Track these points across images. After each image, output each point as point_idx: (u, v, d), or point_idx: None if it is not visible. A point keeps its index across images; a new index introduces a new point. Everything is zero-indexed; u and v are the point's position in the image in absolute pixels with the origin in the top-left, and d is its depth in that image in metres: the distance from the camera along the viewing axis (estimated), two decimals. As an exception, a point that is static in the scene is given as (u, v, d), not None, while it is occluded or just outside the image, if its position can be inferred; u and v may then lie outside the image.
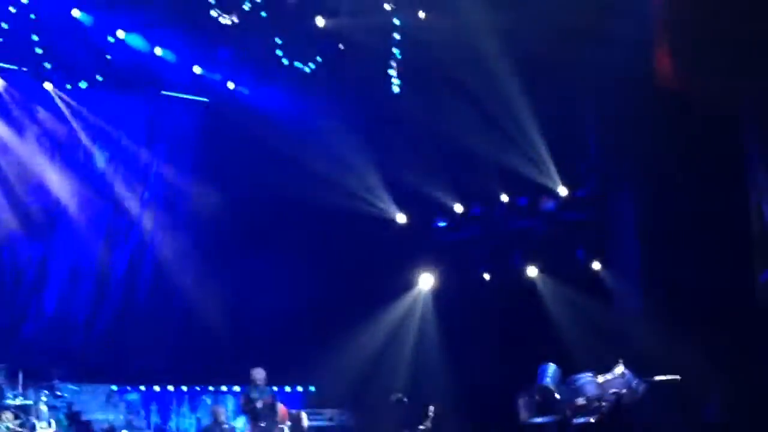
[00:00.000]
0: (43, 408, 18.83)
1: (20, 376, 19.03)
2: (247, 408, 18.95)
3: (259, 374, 18.99)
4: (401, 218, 23.71)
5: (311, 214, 23.16)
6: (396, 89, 22.26)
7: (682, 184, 20.12)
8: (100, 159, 22.76)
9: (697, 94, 18.91)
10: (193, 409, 23.09)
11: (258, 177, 22.80)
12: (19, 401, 18.53)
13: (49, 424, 18.60)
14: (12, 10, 19.93)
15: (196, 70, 22.53)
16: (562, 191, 22.35)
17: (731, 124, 18.84)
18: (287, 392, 23.35)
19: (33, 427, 18.19)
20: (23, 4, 19.81)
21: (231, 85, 23.00)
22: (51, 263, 22.45)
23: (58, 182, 22.29)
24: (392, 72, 22.30)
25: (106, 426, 21.14)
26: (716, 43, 17.94)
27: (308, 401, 23.51)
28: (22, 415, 18.12)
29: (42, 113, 22.05)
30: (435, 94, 21.99)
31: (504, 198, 22.81)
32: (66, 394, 19.86)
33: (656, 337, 20.35)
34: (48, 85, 21.76)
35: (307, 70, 22.15)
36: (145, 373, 22.56)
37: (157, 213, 23.37)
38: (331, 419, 22.41)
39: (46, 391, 19.29)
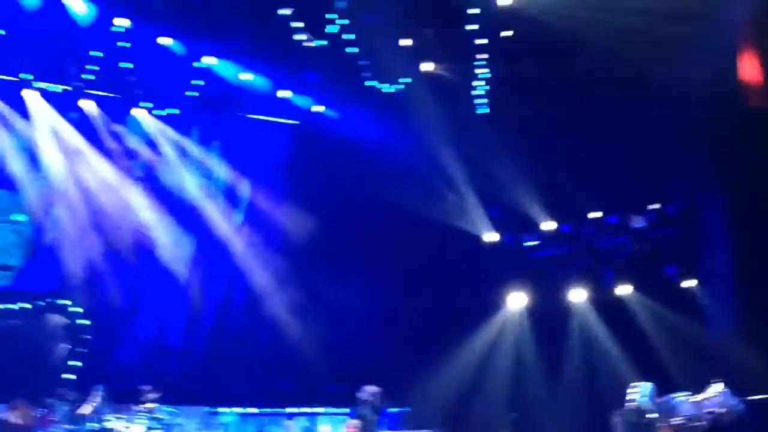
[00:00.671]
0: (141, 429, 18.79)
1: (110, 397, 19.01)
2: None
3: (371, 391, 18.47)
4: (492, 237, 23.79)
5: (401, 236, 23.33)
6: (485, 110, 22.51)
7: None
8: (191, 185, 22.97)
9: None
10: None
11: (347, 199, 23.12)
12: (118, 422, 18.59)
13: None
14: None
15: (285, 94, 22.88)
16: (651, 208, 22.44)
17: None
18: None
19: None
20: (117, 32, 20.23)
21: (319, 108, 23.25)
22: (143, 290, 22.75)
23: (148, 208, 22.53)
24: (480, 92, 22.50)
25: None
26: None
27: (404, 422, 22.87)
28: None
29: (132, 139, 22.31)
30: (523, 114, 22.01)
31: (594, 215, 22.96)
32: (165, 417, 19.74)
33: (752, 355, 20.32)
34: (139, 111, 22.06)
35: (393, 90, 22.37)
36: (240, 396, 22.67)
37: (249, 238, 23.58)
38: None
39: (146, 414, 19.24)
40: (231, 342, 23.24)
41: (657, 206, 22.67)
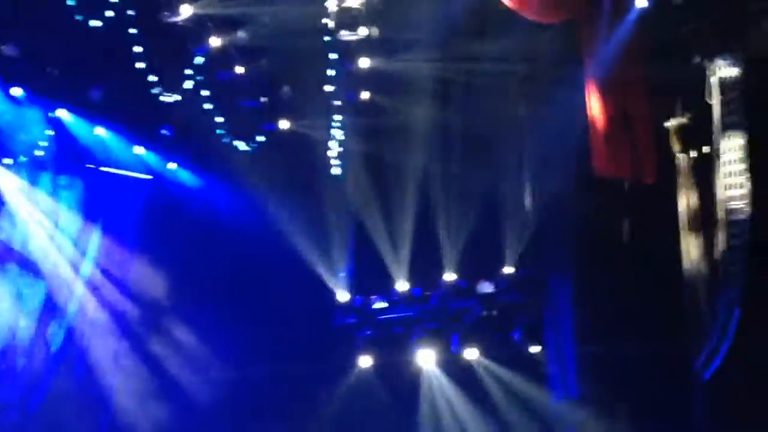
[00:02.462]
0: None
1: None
2: None
3: None
4: (342, 296, 24.04)
5: (252, 294, 23.83)
6: (337, 171, 23.13)
7: (620, 266, 20.95)
8: (39, 237, 22.85)
9: (633, 180, 19.74)
10: None
11: (199, 256, 23.55)
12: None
13: None
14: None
15: (138, 150, 23.12)
16: (503, 272, 23.00)
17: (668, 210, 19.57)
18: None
19: None
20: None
21: (172, 165, 23.63)
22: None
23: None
24: (333, 154, 23.08)
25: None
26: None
27: None
28: None
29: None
30: (376, 178, 23.10)
31: (448, 278, 23.37)
32: None
33: (592, 418, 21.30)
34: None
35: (248, 148, 22.88)
36: None
37: (95, 289, 23.59)
38: None
39: None
40: (71, 394, 23.20)
41: (507, 272, 23.12)
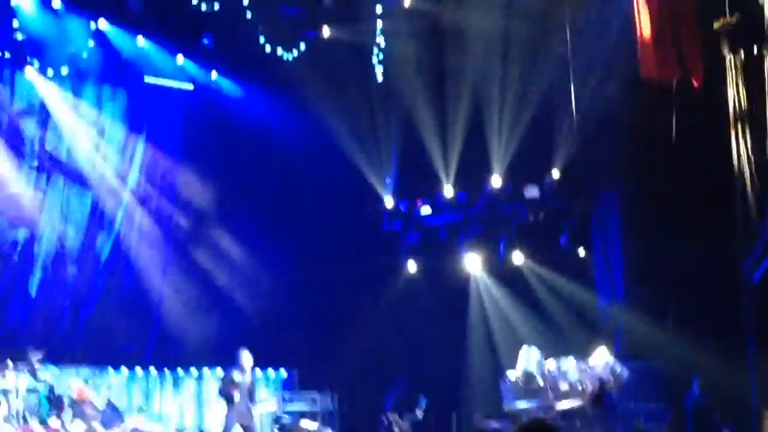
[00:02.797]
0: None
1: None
2: (227, 390, 19.00)
3: (245, 357, 18.93)
4: (389, 201, 24.01)
5: (297, 202, 23.81)
6: (381, 77, 22.86)
7: (668, 169, 20.56)
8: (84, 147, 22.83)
9: (680, 82, 19.33)
10: (176, 391, 23.19)
11: (243, 166, 23.41)
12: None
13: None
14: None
15: (179, 59, 22.99)
16: (551, 177, 22.83)
17: (715, 112, 19.16)
18: (270, 376, 23.75)
19: None
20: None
21: (214, 75, 23.52)
22: (36, 247, 22.51)
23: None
24: (375, 60, 22.81)
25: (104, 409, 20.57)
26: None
27: (291, 384, 23.79)
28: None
29: (19, 104, 22.11)
30: (418, 82, 22.64)
31: (495, 183, 23.10)
32: (46, 378, 19.70)
33: (639, 323, 21.04)
34: (29, 71, 21.85)
35: (289, 58, 22.51)
36: (127, 356, 22.80)
37: (142, 199, 23.60)
38: (313, 401, 22.47)
39: (27, 374, 19.14)
40: (120, 302, 23.28)
41: (554, 176, 22.84)
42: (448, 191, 23.49)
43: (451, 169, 23.34)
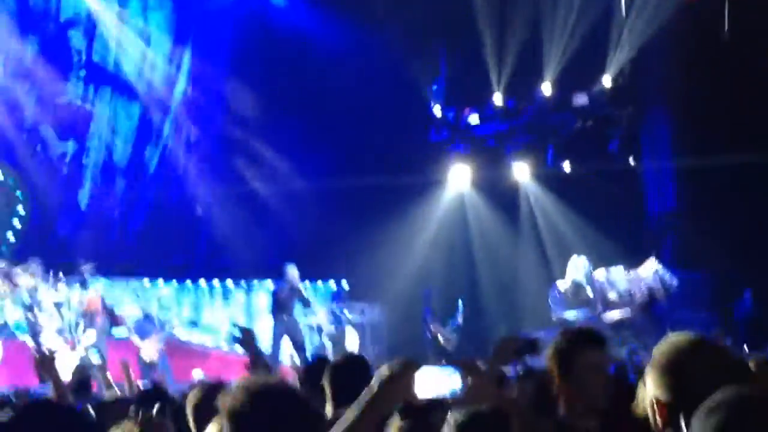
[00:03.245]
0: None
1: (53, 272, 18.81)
2: (276, 302, 19.33)
3: (292, 271, 19.05)
4: (436, 109, 23.84)
5: (342, 109, 23.42)
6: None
7: (718, 75, 20.44)
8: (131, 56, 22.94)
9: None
10: (226, 303, 23.15)
11: (288, 72, 23.34)
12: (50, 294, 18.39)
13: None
14: None
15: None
16: (600, 84, 22.69)
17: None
18: (318, 288, 23.58)
19: None
20: None
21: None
22: (85, 159, 22.75)
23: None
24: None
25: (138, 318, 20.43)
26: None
27: (339, 295, 23.67)
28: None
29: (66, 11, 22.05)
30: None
31: (544, 90, 22.93)
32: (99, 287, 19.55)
33: (689, 233, 21.24)
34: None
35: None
36: (177, 268, 22.83)
37: (189, 109, 23.67)
38: (362, 312, 22.42)
39: (79, 286, 18.93)
40: (168, 214, 23.50)
41: (603, 84, 22.72)
42: (498, 99, 23.29)
43: (503, 77, 23.15)
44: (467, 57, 23.01)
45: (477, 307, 21.90)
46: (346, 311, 21.68)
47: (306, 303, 19.32)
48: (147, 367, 17.64)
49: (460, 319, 20.66)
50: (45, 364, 7.71)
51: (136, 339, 18.24)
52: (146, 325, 18.78)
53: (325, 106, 23.28)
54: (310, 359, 15.23)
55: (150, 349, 18.10)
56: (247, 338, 7.07)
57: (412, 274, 22.74)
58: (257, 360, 6.94)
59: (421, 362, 4.04)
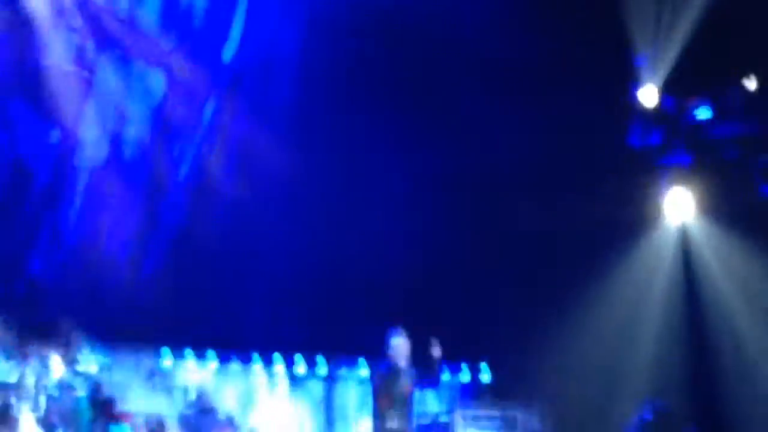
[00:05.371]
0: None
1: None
2: (377, 397, 14.65)
3: (401, 345, 14.45)
4: (645, 96, 18.33)
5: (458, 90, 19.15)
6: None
7: None
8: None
9: None
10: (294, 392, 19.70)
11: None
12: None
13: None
14: None
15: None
16: None
17: None
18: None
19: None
20: None
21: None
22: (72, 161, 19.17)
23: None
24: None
25: (153, 421, 17.49)
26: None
27: (478, 391, 19.63)
28: None
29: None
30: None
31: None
32: (88, 365, 16.23)
33: None
34: None
35: None
36: (217, 337, 19.02)
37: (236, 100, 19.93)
38: (510, 422, 18.06)
39: (61, 360, 15.75)
40: (205, 250, 18.92)
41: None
42: (751, 83, 18.14)
43: (750, 52, 18.57)
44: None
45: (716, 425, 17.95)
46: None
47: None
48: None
49: None
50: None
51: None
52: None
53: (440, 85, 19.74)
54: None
55: None
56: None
57: (601, 365, 18.57)
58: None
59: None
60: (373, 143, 20.00)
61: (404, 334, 15.21)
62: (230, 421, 17.50)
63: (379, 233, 19.76)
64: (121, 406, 17.52)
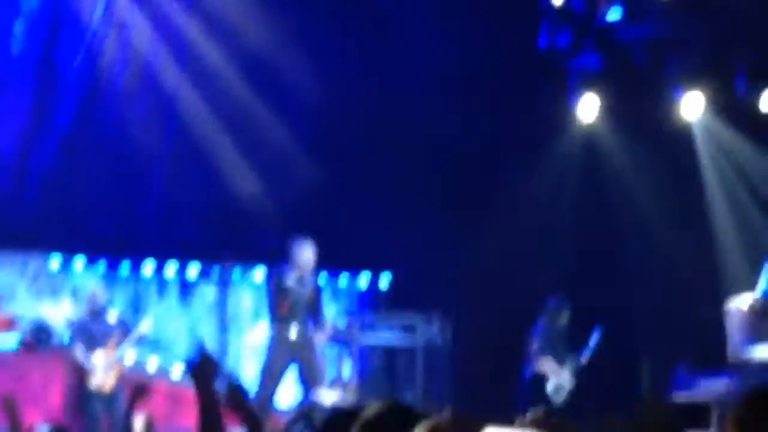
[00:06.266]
0: None
1: None
2: (274, 304, 15.18)
3: (306, 251, 14.88)
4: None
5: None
6: None
7: None
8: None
9: None
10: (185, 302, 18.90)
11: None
12: None
13: None
14: None
15: None
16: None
17: None
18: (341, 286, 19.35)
19: None
20: None
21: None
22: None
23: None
24: None
25: (38, 326, 16.90)
26: None
27: (374, 297, 19.20)
28: None
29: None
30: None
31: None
32: None
33: None
34: None
35: None
36: (108, 243, 18.27)
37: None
38: (409, 330, 17.49)
39: None
40: (96, 149, 18.33)
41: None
42: None
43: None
44: None
45: (618, 326, 17.02)
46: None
47: (317, 311, 15.40)
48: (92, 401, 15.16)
49: (587, 355, 16.86)
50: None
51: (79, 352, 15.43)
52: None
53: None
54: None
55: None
56: (235, 397, 6.14)
57: (505, 269, 17.97)
58: (247, 417, 6.20)
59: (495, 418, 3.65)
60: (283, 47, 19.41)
61: (309, 241, 15.28)
62: (121, 325, 16.30)
63: (282, 138, 19.17)
64: (5, 308, 17.24)
